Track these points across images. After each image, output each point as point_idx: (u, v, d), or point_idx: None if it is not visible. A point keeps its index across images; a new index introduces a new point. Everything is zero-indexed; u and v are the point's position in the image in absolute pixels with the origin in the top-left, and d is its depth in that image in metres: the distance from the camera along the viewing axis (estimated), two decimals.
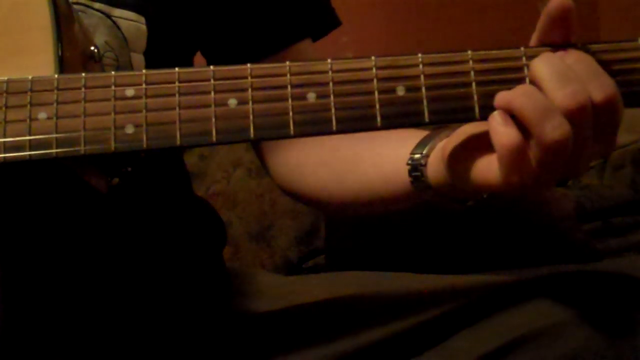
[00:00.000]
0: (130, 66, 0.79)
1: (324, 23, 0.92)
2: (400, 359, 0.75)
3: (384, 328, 0.77)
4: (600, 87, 0.58)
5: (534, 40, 0.62)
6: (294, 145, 0.87)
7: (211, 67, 0.62)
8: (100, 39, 0.77)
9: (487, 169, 0.61)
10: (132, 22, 0.79)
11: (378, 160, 0.79)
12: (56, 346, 0.77)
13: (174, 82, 0.62)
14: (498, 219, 1.62)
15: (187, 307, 0.85)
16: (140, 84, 0.62)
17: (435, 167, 0.68)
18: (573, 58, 0.59)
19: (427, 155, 0.69)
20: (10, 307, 0.70)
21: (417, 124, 0.62)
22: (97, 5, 0.78)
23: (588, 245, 1.69)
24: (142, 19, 0.79)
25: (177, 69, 0.62)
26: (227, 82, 0.62)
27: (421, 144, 0.71)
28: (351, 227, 1.63)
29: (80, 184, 0.67)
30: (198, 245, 0.92)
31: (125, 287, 0.81)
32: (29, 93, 0.62)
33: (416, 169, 0.70)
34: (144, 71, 0.63)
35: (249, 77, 0.62)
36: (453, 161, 0.65)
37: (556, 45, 0.61)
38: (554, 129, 0.56)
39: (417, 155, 0.70)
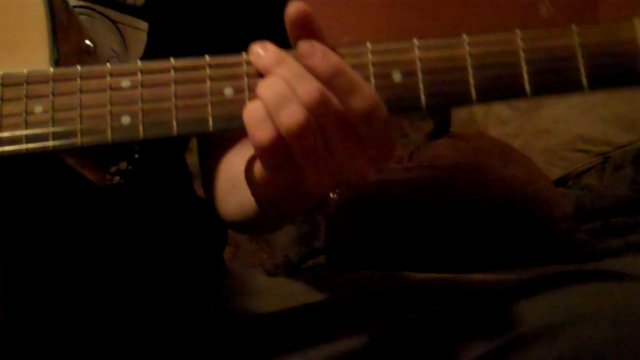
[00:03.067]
0: None
1: None
2: (400, 358, 0.75)
3: (383, 327, 0.76)
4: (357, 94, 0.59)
5: None
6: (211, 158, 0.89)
7: (206, 56, 0.62)
8: (105, 45, 0.77)
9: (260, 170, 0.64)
10: (133, 28, 0.79)
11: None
12: (55, 344, 0.77)
13: (170, 72, 0.62)
14: (498, 219, 1.62)
15: (188, 307, 0.85)
16: (136, 74, 0.62)
17: None
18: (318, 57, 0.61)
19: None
20: (9, 303, 0.70)
21: (414, 109, 0.62)
22: (103, 10, 0.77)
23: (588, 245, 1.69)
24: (145, 26, 0.80)
25: (172, 58, 0.62)
26: (223, 70, 0.62)
27: None
28: (351, 227, 1.63)
29: (80, 179, 0.66)
30: (199, 245, 0.92)
31: (126, 286, 0.81)
32: (24, 86, 0.62)
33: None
34: (139, 62, 0.62)
35: (245, 66, 0.62)
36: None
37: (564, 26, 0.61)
38: (288, 117, 0.58)
39: None
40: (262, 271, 1.58)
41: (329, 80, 0.60)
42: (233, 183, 0.82)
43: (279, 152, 0.60)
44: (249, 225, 0.85)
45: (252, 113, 0.60)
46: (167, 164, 0.89)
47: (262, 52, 0.62)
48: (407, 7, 2.25)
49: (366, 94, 0.60)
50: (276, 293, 0.88)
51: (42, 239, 0.75)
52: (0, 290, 0.69)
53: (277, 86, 0.60)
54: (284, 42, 0.87)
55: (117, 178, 0.78)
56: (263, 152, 0.60)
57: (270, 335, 0.80)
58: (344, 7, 2.12)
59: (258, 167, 0.65)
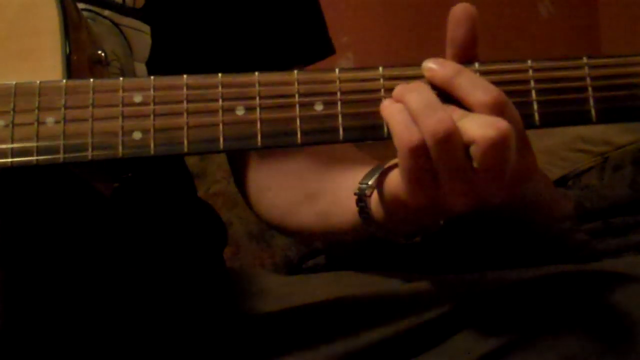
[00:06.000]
0: (134, 76, 0.78)
1: (317, 51, 0.91)
2: (400, 359, 0.76)
3: (383, 328, 0.77)
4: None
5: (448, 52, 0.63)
6: (261, 166, 0.87)
7: (219, 74, 0.62)
8: (107, 47, 0.77)
9: (397, 180, 0.62)
10: (137, 31, 0.79)
11: (337, 191, 0.77)
12: (58, 347, 0.77)
13: (182, 89, 0.62)
14: (498, 219, 1.62)
15: (188, 307, 0.85)
16: (148, 90, 0.62)
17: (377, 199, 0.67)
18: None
19: (373, 186, 0.68)
20: (13, 308, 0.70)
21: None
22: (106, 12, 0.77)
23: (588, 245, 1.69)
24: (148, 29, 0.80)
25: (185, 75, 0.62)
26: (235, 90, 0.62)
27: (371, 172, 0.69)
28: None
29: (85, 187, 0.67)
30: (199, 245, 0.92)
31: (127, 287, 0.81)
32: (37, 97, 0.62)
33: (361, 199, 0.69)
34: (152, 77, 0.63)
35: (257, 85, 0.62)
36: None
37: (575, 57, 0.61)
38: (439, 122, 0.57)
39: (363, 185, 0.69)
40: (263, 270, 1.58)
41: (451, 80, 0.60)
42: (313, 193, 0.81)
43: (422, 161, 0.58)
44: (311, 234, 0.84)
45: (399, 114, 0.59)
46: (168, 166, 0.90)
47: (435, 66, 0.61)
48: (406, 7, 2.24)
49: (488, 87, 0.59)
50: (277, 293, 0.89)
51: (45, 243, 0.75)
52: (1, 291, 0.70)
53: (426, 94, 0.59)
54: (280, 39, 0.88)
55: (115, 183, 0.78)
56: (408, 160, 0.59)
57: (270, 335, 0.80)
58: (344, 7, 2.12)
59: (394, 179, 0.63)
